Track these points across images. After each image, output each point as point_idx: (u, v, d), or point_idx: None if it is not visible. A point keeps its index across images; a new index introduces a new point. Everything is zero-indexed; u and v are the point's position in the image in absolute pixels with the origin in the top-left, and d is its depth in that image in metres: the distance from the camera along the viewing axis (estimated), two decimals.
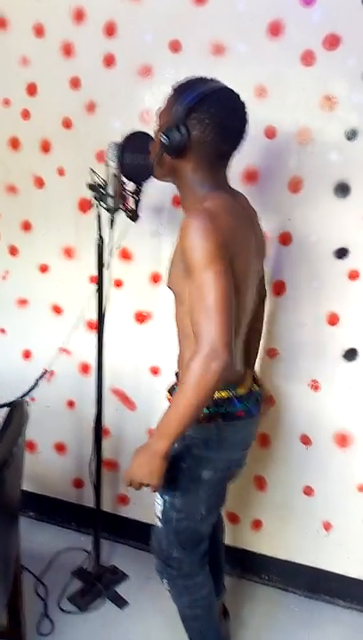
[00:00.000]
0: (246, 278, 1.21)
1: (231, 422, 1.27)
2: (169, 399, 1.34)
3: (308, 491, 1.81)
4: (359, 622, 1.80)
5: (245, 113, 1.17)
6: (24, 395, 1.67)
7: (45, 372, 1.82)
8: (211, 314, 1.06)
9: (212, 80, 1.16)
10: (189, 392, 1.08)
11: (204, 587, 1.43)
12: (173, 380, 1.40)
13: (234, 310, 1.10)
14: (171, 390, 1.37)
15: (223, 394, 1.26)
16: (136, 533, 2.07)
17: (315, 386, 1.71)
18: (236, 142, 1.19)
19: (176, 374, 1.38)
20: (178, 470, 1.27)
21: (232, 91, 1.17)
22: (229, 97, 1.16)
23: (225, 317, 1.06)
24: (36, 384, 1.79)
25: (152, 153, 1.25)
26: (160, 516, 1.35)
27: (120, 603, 1.81)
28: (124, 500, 2.07)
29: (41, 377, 1.81)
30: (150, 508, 2.01)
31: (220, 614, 1.63)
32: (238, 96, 1.17)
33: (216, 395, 1.24)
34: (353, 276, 1.59)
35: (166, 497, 1.32)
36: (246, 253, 1.19)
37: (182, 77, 1.56)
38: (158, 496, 1.34)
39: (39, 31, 1.71)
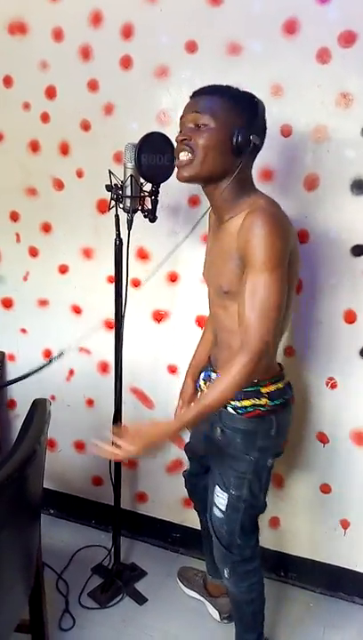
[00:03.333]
0: (295, 280, 1.30)
1: (285, 410, 1.38)
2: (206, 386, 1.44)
3: (325, 489, 1.81)
4: None
5: None
6: (33, 372, 1.70)
7: (62, 353, 1.83)
8: (269, 314, 1.15)
9: (249, 92, 1.27)
10: (230, 384, 1.18)
11: (259, 570, 1.51)
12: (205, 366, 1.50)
13: (286, 310, 1.21)
14: (205, 378, 1.47)
15: (280, 384, 1.36)
16: (155, 531, 2.09)
17: (332, 384, 1.71)
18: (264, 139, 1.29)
19: (209, 360, 1.48)
20: (244, 462, 1.36)
21: None
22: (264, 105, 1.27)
23: (277, 321, 1.17)
24: (50, 361, 1.81)
25: (206, 153, 1.22)
26: (223, 509, 1.42)
27: (139, 599, 1.83)
28: (143, 497, 2.09)
29: (58, 357, 1.82)
30: (168, 506, 2.04)
31: (222, 591, 1.76)
32: None
33: (274, 387, 1.34)
34: None
35: (232, 491, 1.38)
36: (297, 253, 1.26)
37: (199, 78, 1.60)
38: (221, 491, 1.41)
39: (58, 35, 1.74)
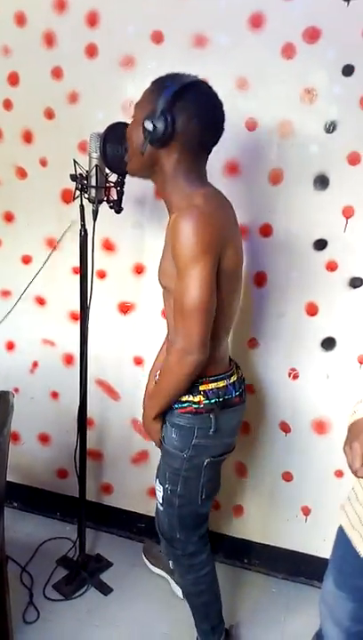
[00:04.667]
0: (236, 273, 1.26)
1: (228, 410, 1.33)
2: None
3: (287, 477, 1.85)
4: None
5: (223, 111, 1.21)
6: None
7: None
8: (191, 312, 1.13)
9: (191, 75, 1.19)
10: (165, 381, 1.25)
11: (207, 564, 1.50)
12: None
13: (226, 307, 1.21)
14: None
15: (220, 383, 1.31)
16: (120, 522, 2.10)
17: (294, 374, 1.75)
18: (217, 134, 1.21)
19: None
20: (178, 459, 1.34)
21: (211, 86, 1.20)
22: (210, 90, 1.20)
23: (204, 317, 1.14)
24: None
25: (131, 146, 1.23)
26: (161, 501, 1.43)
27: (105, 590, 1.84)
28: (108, 488, 2.09)
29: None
30: (134, 496, 2.05)
31: None
32: (216, 93, 1.20)
33: (214, 385, 1.30)
34: (331, 267, 1.62)
35: (168, 485, 1.38)
36: (235, 249, 1.22)
37: (165, 69, 1.57)
38: (158, 484, 1.42)
39: (20, 20, 1.69)
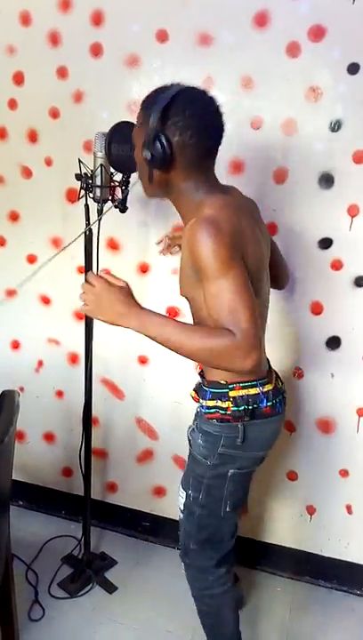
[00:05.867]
0: (261, 269, 1.21)
1: (258, 421, 1.25)
2: (195, 397, 1.35)
3: (292, 476, 1.85)
4: (340, 601, 1.86)
5: (217, 107, 1.14)
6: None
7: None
8: (239, 317, 1.04)
9: (173, 84, 1.13)
10: (197, 347, 1.07)
11: (215, 587, 1.42)
12: (198, 380, 1.39)
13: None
14: (197, 390, 1.36)
15: (252, 391, 1.24)
16: (124, 520, 2.10)
17: (299, 374, 1.75)
18: (217, 138, 1.16)
19: (201, 374, 1.36)
20: (203, 466, 1.29)
21: (198, 88, 1.14)
22: (196, 95, 1.13)
23: (254, 317, 1.05)
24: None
25: (142, 174, 1.20)
26: (182, 508, 1.38)
27: (109, 588, 1.84)
28: (112, 487, 2.09)
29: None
30: (138, 495, 2.06)
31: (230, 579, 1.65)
32: (205, 92, 1.14)
33: (244, 392, 1.23)
34: (336, 266, 1.62)
35: (190, 491, 1.33)
36: (255, 245, 1.19)
37: (169, 67, 1.59)
38: (182, 489, 1.37)
39: (25, 20, 1.70)
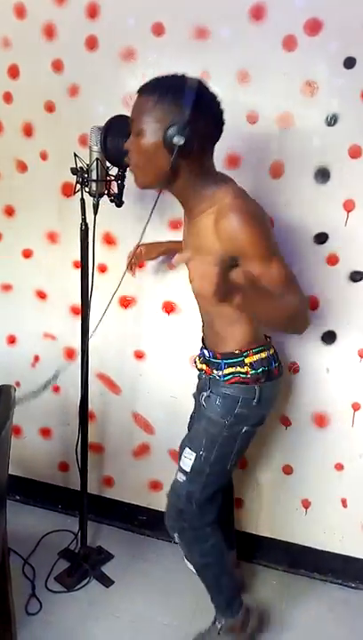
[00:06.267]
0: None
1: (271, 381, 1.39)
2: (207, 370, 1.46)
3: (287, 470, 1.86)
4: (335, 594, 1.87)
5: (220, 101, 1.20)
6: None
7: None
8: (296, 287, 1.21)
9: (181, 74, 1.16)
10: (288, 308, 1.17)
11: (213, 536, 1.51)
12: (203, 351, 1.49)
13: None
14: (207, 363, 1.46)
15: (263, 354, 1.38)
16: (121, 514, 2.11)
17: (295, 368, 1.75)
18: (222, 129, 1.21)
19: (204, 347, 1.48)
20: (219, 426, 1.39)
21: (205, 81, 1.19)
22: (207, 87, 1.18)
23: (298, 286, 1.22)
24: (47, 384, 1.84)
25: (141, 160, 1.20)
26: (188, 469, 1.44)
27: (106, 582, 1.85)
28: (109, 481, 2.10)
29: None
30: (135, 489, 2.06)
31: (233, 564, 1.75)
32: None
33: (257, 357, 1.37)
34: (332, 260, 1.62)
35: (202, 452, 1.41)
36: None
37: (165, 61, 1.58)
38: (189, 451, 1.44)
39: (20, 12, 1.68)
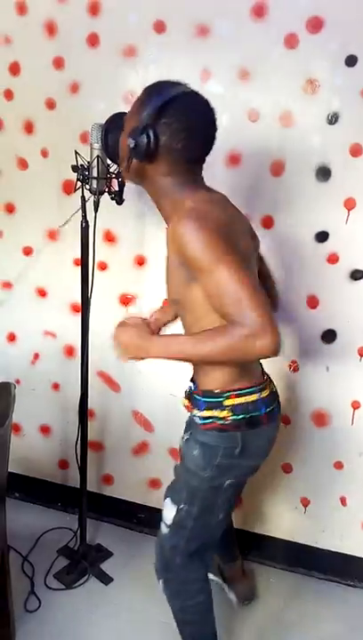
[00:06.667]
0: (249, 258, 1.20)
1: (256, 429, 1.22)
2: (187, 406, 1.32)
3: (287, 468, 1.86)
4: (333, 592, 1.88)
5: (214, 119, 1.14)
6: None
7: None
8: (245, 302, 1.01)
9: (181, 84, 1.12)
10: (214, 350, 1.05)
11: (199, 594, 1.39)
12: (189, 384, 1.38)
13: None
14: (189, 398, 1.33)
15: (250, 397, 1.21)
16: (120, 512, 2.11)
17: (294, 367, 1.75)
18: (207, 149, 1.16)
19: (192, 379, 1.34)
20: (197, 478, 1.24)
21: (202, 96, 1.13)
22: (198, 102, 1.13)
23: (261, 299, 1.03)
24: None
25: (120, 156, 1.21)
26: (170, 523, 1.31)
27: (105, 579, 1.85)
28: (108, 479, 2.10)
29: None
30: (134, 487, 2.06)
31: (239, 576, 1.75)
32: (208, 102, 1.13)
33: (243, 399, 1.20)
34: (333, 259, 1.62)
35: (183, 505, 1.28)
36: (241, 235, 1.18)
37: (166, 58, 1.58)
38: (170, 504, 1.31)
39: (21, 9, 1.68)
